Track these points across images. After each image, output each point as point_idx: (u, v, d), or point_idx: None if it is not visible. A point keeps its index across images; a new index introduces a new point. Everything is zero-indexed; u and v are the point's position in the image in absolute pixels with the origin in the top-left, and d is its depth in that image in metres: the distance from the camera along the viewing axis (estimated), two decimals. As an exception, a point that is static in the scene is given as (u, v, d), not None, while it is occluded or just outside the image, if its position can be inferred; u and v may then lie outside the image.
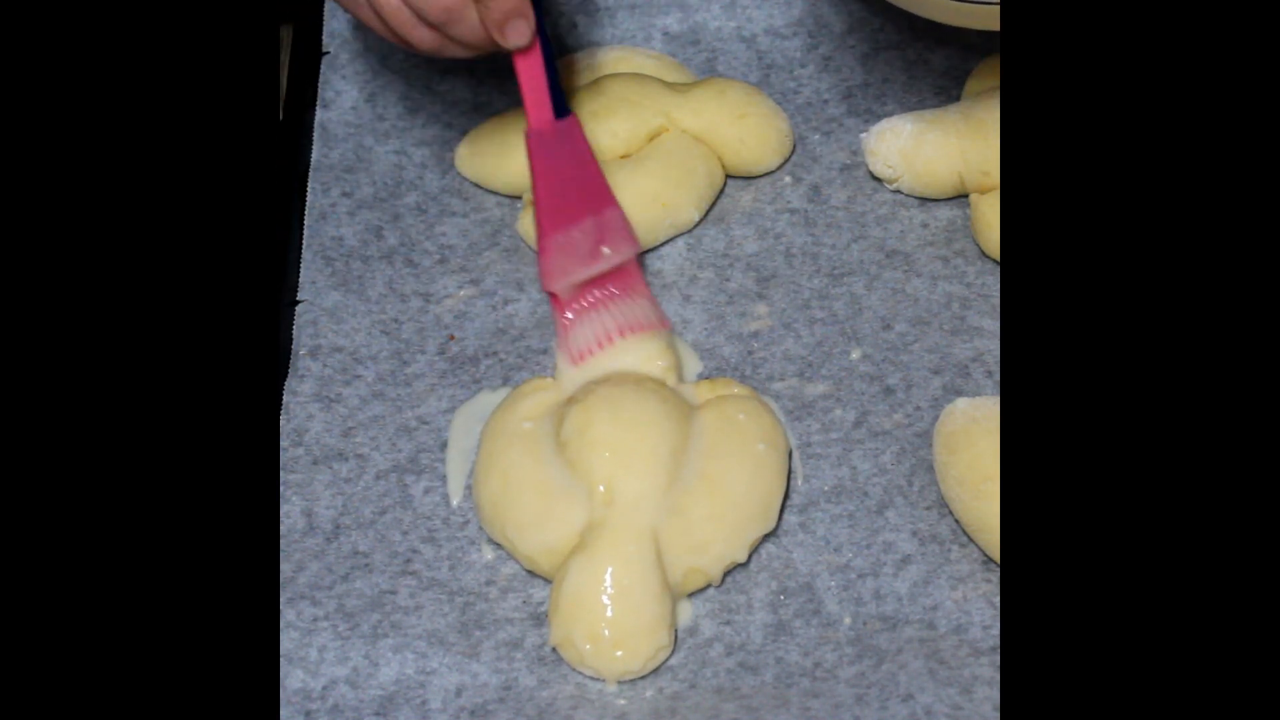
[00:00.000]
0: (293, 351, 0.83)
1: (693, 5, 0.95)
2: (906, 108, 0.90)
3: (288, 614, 0.75)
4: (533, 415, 0.77)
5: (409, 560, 0.77)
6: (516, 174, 0.86)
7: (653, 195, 0.85)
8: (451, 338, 0.84)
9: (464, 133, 0.90)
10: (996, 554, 0.74)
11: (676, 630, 0.74)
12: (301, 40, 0.94)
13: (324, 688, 0.73)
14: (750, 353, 0.83)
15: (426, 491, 0.79)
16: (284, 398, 0.81)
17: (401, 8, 0.72)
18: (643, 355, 0.79)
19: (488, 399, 0.81)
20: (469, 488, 0.79)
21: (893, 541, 0.76)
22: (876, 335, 0.83)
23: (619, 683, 0.73)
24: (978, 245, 0.85)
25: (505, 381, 0.82)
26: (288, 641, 0.74)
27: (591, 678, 0.73)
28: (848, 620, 0.74)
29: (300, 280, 0.85)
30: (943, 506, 0.77)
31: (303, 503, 0.78)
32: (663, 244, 0.87)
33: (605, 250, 0.80)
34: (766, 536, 0.76)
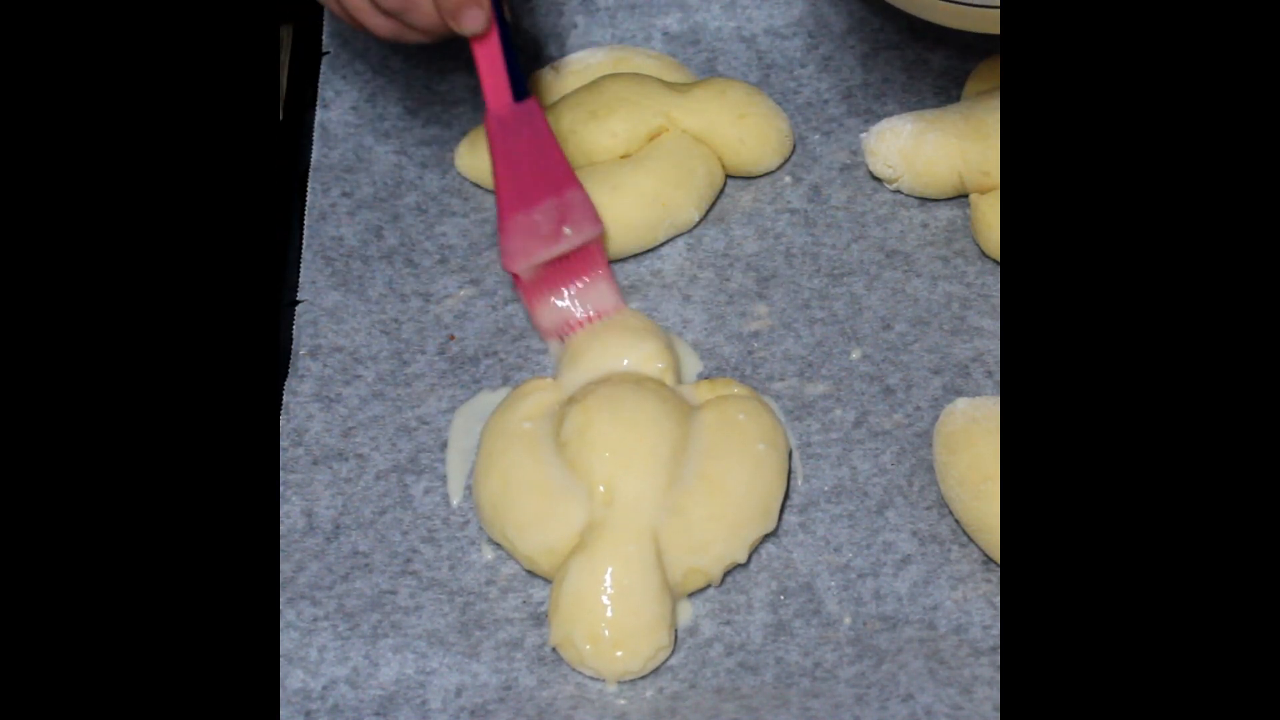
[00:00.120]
0: (293, 351, 0.83)
1: (693, 5, 0.95)
2: (906, 108, 0.90)
3: (288, 614, 0.75)
4: (533, 415, 0.77)
5: (409, 560, 0.77)
6: (516, 174, 0.87)
7: (653, 195, 0.85)
8: (451, 338, 0.84)
9: (464, 133, 0.90)
10: (996, 554, 0.74)
11: (676, 630, 0.74)
12: (301, 40, 0.94)
13: (324, 688, 0.73)
14: (750, 353, 0.83)
15: (426, 491, 0.79)
16: (284, 398, 0.81)
17: None
18: (642, 355, 0.79)
19: (488, 399, 0.81)
20: (469, 488, 0.79)
21: (893, 541, 0.76)
22: (876, 335, 0.83)
23: (619, 683, 0.73)
24: (978, 245, 0.85)
25: (505, 381, 0.82)
26: (288, 641, 0.74)
27: (591, 678, 0.73)
28: (848, 620, 0.74)
29: (300, 280, 0.85)
30: (943, 506, 0.77)
31: (303, 503, 0.78)
32: (663, 244, 0.87)
33: (567, 230, 0.81)
34: (766, 536, 0.76)
